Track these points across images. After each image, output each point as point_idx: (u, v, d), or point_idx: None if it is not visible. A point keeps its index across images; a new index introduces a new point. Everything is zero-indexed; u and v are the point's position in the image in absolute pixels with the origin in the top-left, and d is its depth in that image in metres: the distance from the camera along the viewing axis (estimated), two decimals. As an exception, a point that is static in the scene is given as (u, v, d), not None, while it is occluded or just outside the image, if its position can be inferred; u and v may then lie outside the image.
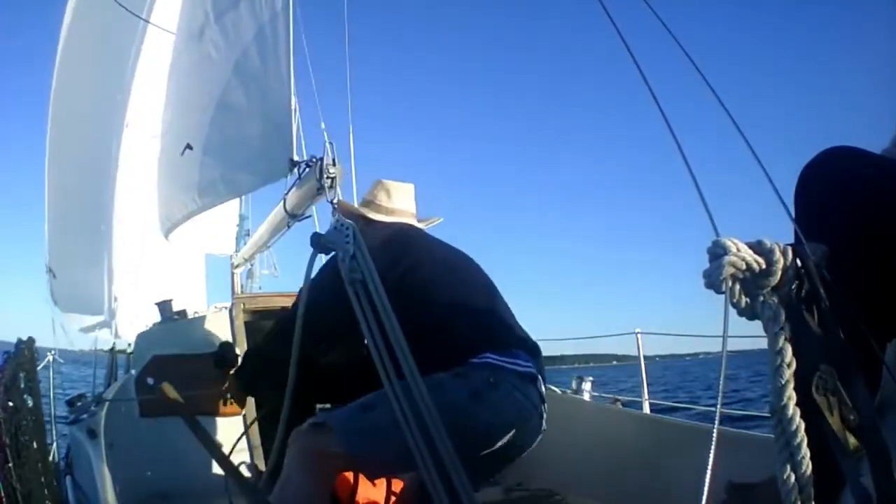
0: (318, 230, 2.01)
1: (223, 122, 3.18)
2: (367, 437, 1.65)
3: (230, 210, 6.29)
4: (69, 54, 7.35)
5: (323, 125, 4.96)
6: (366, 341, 1.60)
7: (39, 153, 8.14)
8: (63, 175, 7.85)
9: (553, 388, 3.16)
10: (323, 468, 1.68)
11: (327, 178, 2.28)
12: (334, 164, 2.30)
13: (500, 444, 1.71)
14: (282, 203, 2.88)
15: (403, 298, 1.71)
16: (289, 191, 2.78)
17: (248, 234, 5.53)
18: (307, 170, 2.51)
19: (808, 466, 0.82)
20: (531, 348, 1.90)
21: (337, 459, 1.67)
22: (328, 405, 2.56)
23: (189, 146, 3.36)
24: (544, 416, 1.84)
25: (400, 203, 2.33)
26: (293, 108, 2.88)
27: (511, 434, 1.72)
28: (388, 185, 2.36)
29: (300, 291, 1.94)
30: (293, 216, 2.89)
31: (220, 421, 3.01)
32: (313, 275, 1.93)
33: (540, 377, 1.85)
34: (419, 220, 2.39)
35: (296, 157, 2.70)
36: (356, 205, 2.37)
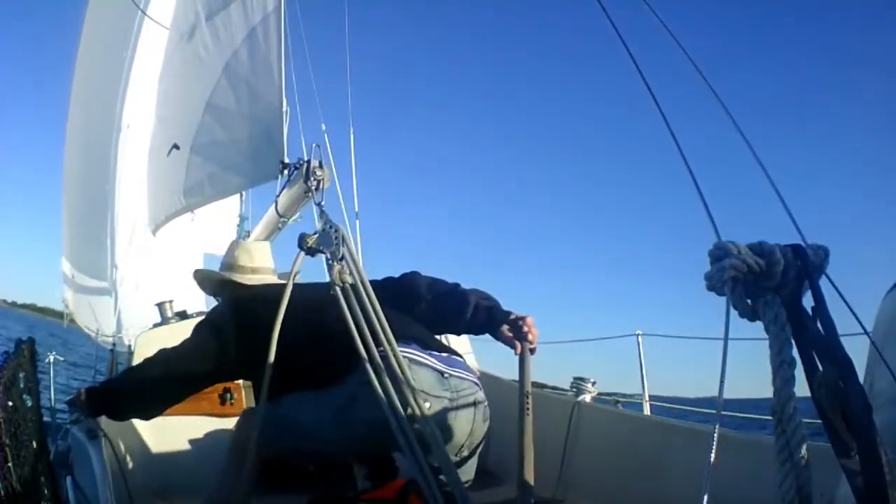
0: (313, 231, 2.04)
1: (211, 124, 3.18)
2: (280, 428, 1.96)
3: (230, 210, 6.30)
4: (84, 56, 7.44)
5: (324, 126, 4.96)
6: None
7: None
8: (73, 176, 7.96)
9: (552, 389, 3.16)
10: (249, 453, 1.94)
11: (314, 180, 2.29)
12: (321, 167, 2.32)
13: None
14: (274, 205, 2.90)
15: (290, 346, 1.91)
16: (280, 193, 2.80)
17: (248, 235, 5.53)
18: (295, 172, 2.53)
19: (807, 466, 0.82)
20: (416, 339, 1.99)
21: (258, 447, 1.94)
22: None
23: (176, 146, 3.36)
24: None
25: (261, 262, 2.47)
26: (284, 110, 2.88)
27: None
28: (248, 246, 2.53)
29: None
30: (284, 217, 2.91)
31: (219, 421, 3.01)
32: (298, 275, 2.05)
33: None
34: (279, 275, 2.50)
35: (286, 160, 2.71)
36: (218, 269, 2.52)
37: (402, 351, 1.85)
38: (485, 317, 2.11)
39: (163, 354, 2.20)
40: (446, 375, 1.92)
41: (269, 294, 2.12)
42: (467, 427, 1.93)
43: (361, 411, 1.84)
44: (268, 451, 2.03)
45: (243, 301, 2.27)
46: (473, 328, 2.18)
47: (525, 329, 2.02)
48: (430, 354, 1.94)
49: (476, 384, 1.99)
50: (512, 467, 2.08)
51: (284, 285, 2.12)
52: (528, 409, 1.91)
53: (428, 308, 2.17)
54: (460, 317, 2.13)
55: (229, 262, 2.51)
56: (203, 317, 2.38)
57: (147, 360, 2.23)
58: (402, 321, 2.05)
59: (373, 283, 2.25)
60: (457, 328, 2.24)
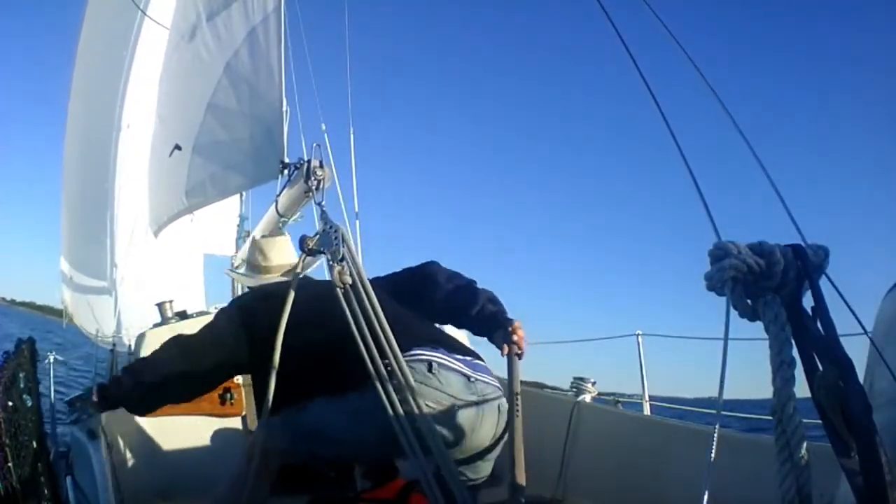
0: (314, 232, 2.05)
1: (213, 123, 3.18)
2: (302, 434, 1.98)
3: (230, 210, 6.31)
4: (83, 55, 7.45)
5: (324, 126, 4.96)
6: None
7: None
8: (73, 176, 7.97)
9: (552, 389, 3.16)
10: (268, 460, 1.98)
11: (314, 180, 2.30)
12: (321, 167, 2.32)
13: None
14: (274, 204, 2.90)
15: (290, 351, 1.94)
16: (280, 192, 2.80)
17: (248, 235, 5.54)
18: (295, 172, 2.53)
19: (807, 466, 0.82)
20: (426, 339, 1.99)
21: (278, 454, 1.99)
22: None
23: (178, 146, 3.36)
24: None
25: (277, 259, 2.45)
26: (284, 110, 2.89)
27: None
28: (261, 244, 2.50)
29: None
30: (284, 217, 2.91)
31: (219, 421, 3.01)
32: (301, 277, 2.09)
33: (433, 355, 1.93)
34: (302, 267, 2.46)
35: (286, 160, 2.71)
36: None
37: (429, 355, 1.88)
38: (487, 317, 2.14)
39: (179, 343, 2.20)
40: (472, 380, 1.94)
41: (282, 291, 2.12)
42: (491, 430, 1.97)
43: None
44: (290, 457, 2.03)
45: (260, 296, 2.27)
46: (474, 325, 2.21)
47: (510, 330, 2.04)
48: (455, 358, 1.95)
49: (498, 388, 2.02)
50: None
51: (297, 281, 2.15)
52: (517, 410, 1.92)
53: (442, 296, 2.21)
54: (466, 311, 2.17)
55: (247, 261, 2.53)
56: (225, 305, 2.38)
57: (163, 349, 2.21)
58: (426, 326, 2.11)
59: (390, 275, 2.30)
60: (458, 321, 2.26)
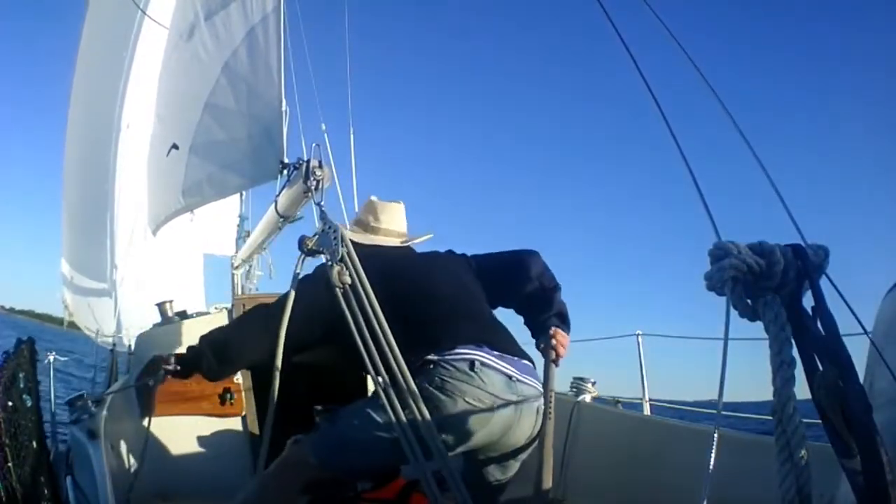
0: (313, 232, 2.05)
1: (210, 123, 3.18)
2: (333, 446, 1.96)
3: (230, 211, 6.31)
4: (84, 56, 7.46)
5: (324, 126, 4.96)
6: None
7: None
8: (73, 176, 7.98)
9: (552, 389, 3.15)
10: (297, 475, 1.97)
11: (314, 180, 2.29)
12: (320, 166, 2.32)
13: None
14: (273, 205, 2.90)
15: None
16: (279, 192, 2.80)
17: (248, 235, 5.54)
18: (294, 172, 2.53)
19: (807, 466, 0.82)
20: (488, 341, 1.98)
21: (309, 468, 1.95)
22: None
23: (175, 146, 3.36)
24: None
25: (387, 223, 2.41)
26: (283, 109, 2.89)
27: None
28: (375, 205, 2.46)
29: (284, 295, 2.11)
30: (284, 218, 2.91)
31: (220, 421, 3.01)
32: (300, 276, 2.07)
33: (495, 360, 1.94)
34: (409, 238, 2.46)
35: (285, 160, 2.71)
36: (347, 222, 2.55)
37: (472, 354, 1.88)
38: (547, 327, 2.19)
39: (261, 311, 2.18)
40: (514, 379, 1.94)
41: (377, 256, 2.10)
42: (528, 430, 1.98)
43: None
44: (325, 472, 1.99)
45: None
46: (533, 326, 2.27)
47: (551, 335, 2.11)
48: (500, 358, 1.94)
49: (541, 390, 2.03)
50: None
51: (398, 249, 2.23)
52: (550, 413, 1.97)
53: (523, 291, 2.27)
54: (534, 313, 2.26)
55: (358, 219, 2.49)
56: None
57: (246, 315, 2.24)
58: (484, 321, 2.13)
59: (496, 253, 2.38)
60: (523, 315, 2.33)
